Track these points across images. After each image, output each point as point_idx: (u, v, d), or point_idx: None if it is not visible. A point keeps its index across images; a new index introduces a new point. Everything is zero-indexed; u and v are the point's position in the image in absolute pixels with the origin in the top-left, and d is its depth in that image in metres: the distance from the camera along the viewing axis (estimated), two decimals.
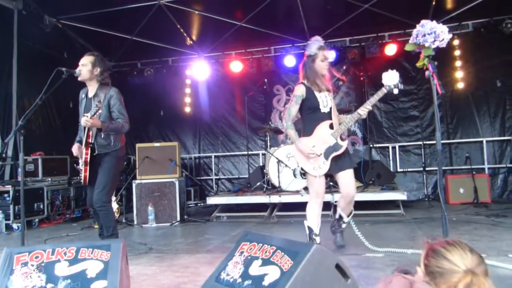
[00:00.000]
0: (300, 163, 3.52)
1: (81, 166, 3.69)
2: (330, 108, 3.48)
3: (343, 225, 3.71)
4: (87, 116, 3.41)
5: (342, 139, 3.42)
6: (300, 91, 3.50)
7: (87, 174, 3.62)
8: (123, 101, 3.73)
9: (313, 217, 3.54)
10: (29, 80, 6.46)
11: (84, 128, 3.60)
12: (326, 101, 3.47)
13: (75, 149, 3.74)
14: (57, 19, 7.20)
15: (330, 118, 3.45)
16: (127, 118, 3.69)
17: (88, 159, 3.60)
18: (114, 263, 2.03)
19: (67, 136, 3.86)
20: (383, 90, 2.99)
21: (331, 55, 3.56)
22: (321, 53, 3.44)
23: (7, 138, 3.99)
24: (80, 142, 3.76)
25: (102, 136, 3.64)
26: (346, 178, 3.45)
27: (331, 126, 3.40)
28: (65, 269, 1.98)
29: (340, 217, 3.69)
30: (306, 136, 3.49)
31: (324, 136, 3.40)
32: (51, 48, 7.19)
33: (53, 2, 6.60)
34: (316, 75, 3.48)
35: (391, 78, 2.83)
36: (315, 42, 3.47)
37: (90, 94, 3.72)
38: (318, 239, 3.55)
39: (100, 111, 3.48)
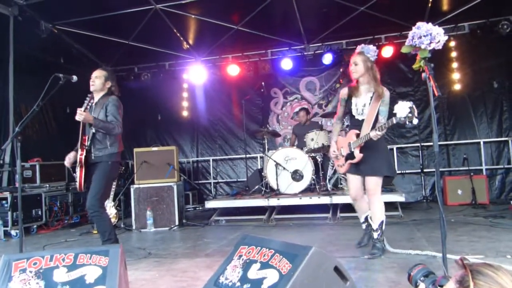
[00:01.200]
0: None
1: (76, 171, 3.71)
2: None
3: (374, 234, 3.54)
4: (81, 110, 3.52)
5: (360, 151, 3.42)
6: (341, 93, 3.65)
7: (82, 180, 3.65)
8: (120, 108, 3.83)
9: (357, 211, 3.87)
10: (25, 86, 6.45)
11: (81, 130, 3.67)
12: (361, 109, 3.47)
13: (69, 158, 3.78)
14: (53, 25, 7.19)
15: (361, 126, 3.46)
16: (120, 123, 3.78)
17: (83, 160, 3.63)
18: (113, 268, 2.02)
19: (65, 141, 3.88)
20: (392, 121, 2.93)
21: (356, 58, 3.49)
22: (351, 60, 3.55)
23: (4, 145, 3.99)
24: (77, 150, 3.79)
25: (99, 138, 3.70)
26: (366, 182, 3.55)
27: (357, 136, 3.44)
28: (64, 275, 1.97)
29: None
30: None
31: (347, 142, 3.55)
32: (47, 54, 7.18)
33: (49, 7, 6.58)
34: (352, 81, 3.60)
35: (401, 110, 2.71)
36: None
37: (93, 102, 3.85)
38: (363, 226, 3.84)
39: (92, 101, 3.64)
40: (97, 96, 3.87)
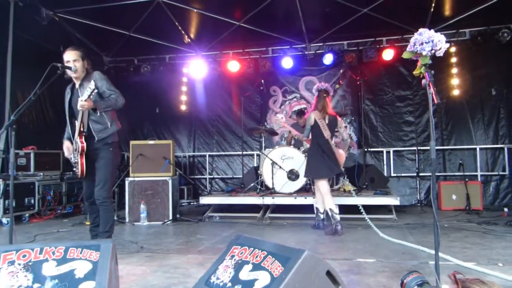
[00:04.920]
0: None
1: (75, 158, 3.57)
2: None
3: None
4: (82, 100, 3.34)
5: None
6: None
7: (84, 167, 3.53)
8: (108, 79, 3.65)
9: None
10: (23, 73, 6.38)
11: (71, 120, 3.56)
12: None
13: (66, 148, 3.65)
14: (54, 12, 7.12)
15: None
16: (119, 92, 3.61)
17: (85, 148, 3.49)
18: (103, 263, 2.00)
19: (61, 130, 3.78)
20: None
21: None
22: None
23: None
24: (69, 138, 3.69)
25: (96, 120, 3.55)
26: None
27: None
28: (53, 268, 1.95)
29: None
30: None
31: None
32: (47, 42, 7.08)
33: None
34: None
35: None
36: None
37: (77, 86, 3.66)
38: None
39: (96, 91, 3.39)
40: (77, 80, 3.65)
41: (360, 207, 5.16)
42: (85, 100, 3.35)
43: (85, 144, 3.50)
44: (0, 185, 5.55)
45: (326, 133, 4.90)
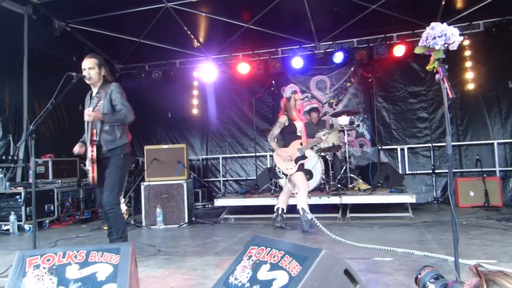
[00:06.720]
0: (278, 164, 5.13)
1: (88, 166, 3.63)
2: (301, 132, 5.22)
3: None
4: (89, 110, 3.41)
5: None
6: (283, 119, 5.18)
7: (95, 174, 3.56)
8: (124, 94, 3.70)
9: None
10: (38, 83, 6.55)
11: (87, 126, 3.61)
12: (300, 126, 5.20)
13: (76, 148, 3.71)
14: (66, 23, 7.28)
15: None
16: (130, 108, 3.65)
17: (95, 157, 3.54)
18: (124, 266, 2.04)
19: (77, 138, 3.84)
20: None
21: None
22: (293, 96, 5.21)
23: (19, 143, 4.05)
24: (83, 142, 3.74)
25: (107, 131, 3.61)
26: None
27: (301, 144, 5.13)
28: (76, 272, 2.00)
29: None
30: (285, 147, 5.16)
31: (295, 149, 5.06)
32: (60, 52, 7.27)
33: (62, 6, 6.68)
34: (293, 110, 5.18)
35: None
36: (290, 88, 5.25)
37: (94, 94, 3.73)
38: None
39: (101, 102, 3.45)
40: (95, 88, 3.72)
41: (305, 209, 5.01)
42: (93, 111, 3.41)
43: (95, 153, 3.54)
44: (21, 193, 5.68)
45: None
